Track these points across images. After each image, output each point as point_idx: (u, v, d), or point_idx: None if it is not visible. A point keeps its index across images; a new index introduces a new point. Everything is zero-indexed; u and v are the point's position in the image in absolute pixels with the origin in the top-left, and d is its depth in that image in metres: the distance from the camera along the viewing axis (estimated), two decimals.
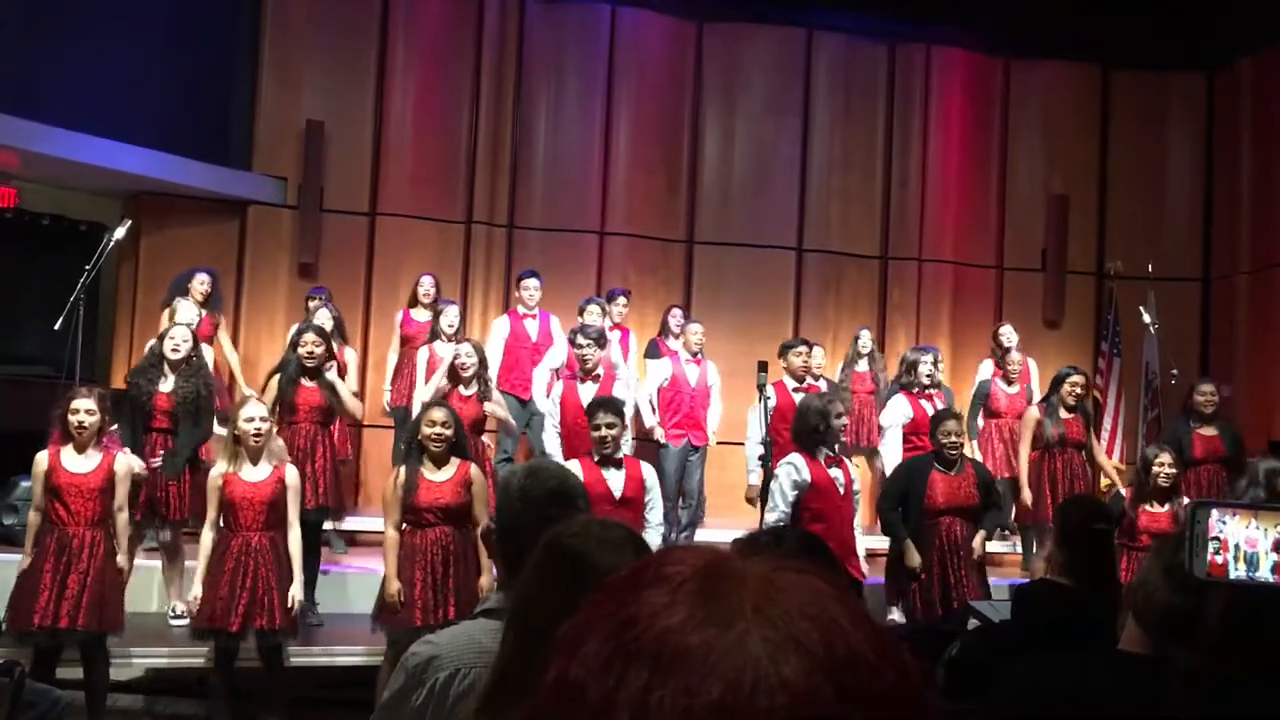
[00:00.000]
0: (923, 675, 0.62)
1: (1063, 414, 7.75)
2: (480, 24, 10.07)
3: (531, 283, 8.52)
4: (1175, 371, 9.63)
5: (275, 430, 5.90)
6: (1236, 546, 2.43)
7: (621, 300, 8.94)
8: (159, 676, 6.48)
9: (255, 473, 5.58)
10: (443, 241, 9.90)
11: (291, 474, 5.68)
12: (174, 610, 6.44)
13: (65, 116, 8.18)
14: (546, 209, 10.14)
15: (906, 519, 6.47)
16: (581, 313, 8.35)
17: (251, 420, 5.58)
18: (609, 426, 5.68)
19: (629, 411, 6.73)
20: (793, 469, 6.03)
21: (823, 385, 8.42)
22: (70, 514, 5.37)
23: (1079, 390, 7.81)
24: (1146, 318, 9.75)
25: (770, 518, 5.96)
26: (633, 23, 10.40)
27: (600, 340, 7.33)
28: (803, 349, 8.15)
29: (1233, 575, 2.41)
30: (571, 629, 0.64)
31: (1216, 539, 2.41)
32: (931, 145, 10.79)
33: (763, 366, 7.16)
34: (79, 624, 5.32)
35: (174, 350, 6.52)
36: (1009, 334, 9.17)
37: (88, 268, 7.32)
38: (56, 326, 7.12)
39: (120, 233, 7.68)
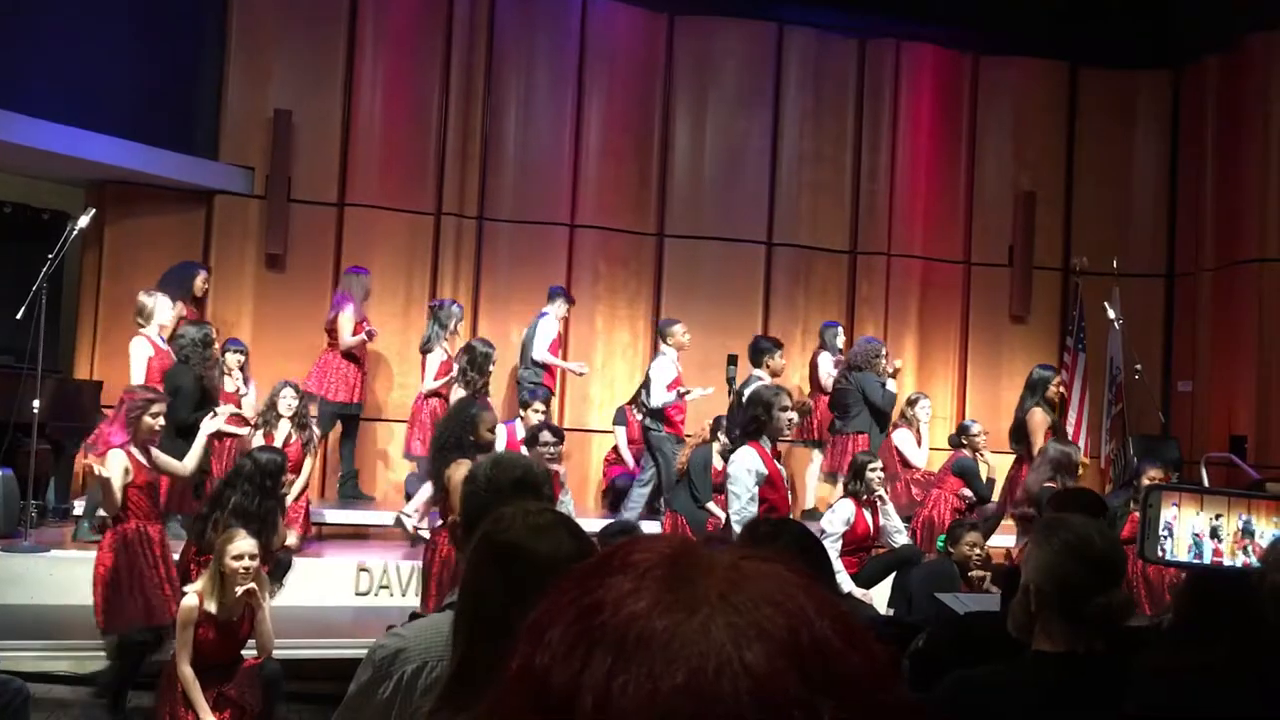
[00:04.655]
0: (890, 662, 0.62)
1: None
2: (450, 14, 10.00)
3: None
4: (1139, 366, 9.72)
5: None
6: (1171, 529, 2.46)
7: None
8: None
9: None
10: (412, 233, 9.84)
11: None
12: None
13: (29, 103, 8.05)
14: (517, 201, 10.10)
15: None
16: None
17: None
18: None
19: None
20: (750, 460, 5.82)
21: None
22: (151, 509, 5.50)
23: (1062, 391, 7.91)
24: (1111, 313, 9.83)
25: (740, 513, 5.82)
26: (603, 14, 10.37)
27: (561, 438, 7.03)
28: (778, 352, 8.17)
29: (1182, 557, 2.43)
30: (537, 617, 0.64)
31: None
32: (901, 140, 10.84)
33: (732, 360, 7.18)
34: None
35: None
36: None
37: (50, 257, 7.23)
38: (19, 316, 7.03)
39: (84, 221, 7.58)
